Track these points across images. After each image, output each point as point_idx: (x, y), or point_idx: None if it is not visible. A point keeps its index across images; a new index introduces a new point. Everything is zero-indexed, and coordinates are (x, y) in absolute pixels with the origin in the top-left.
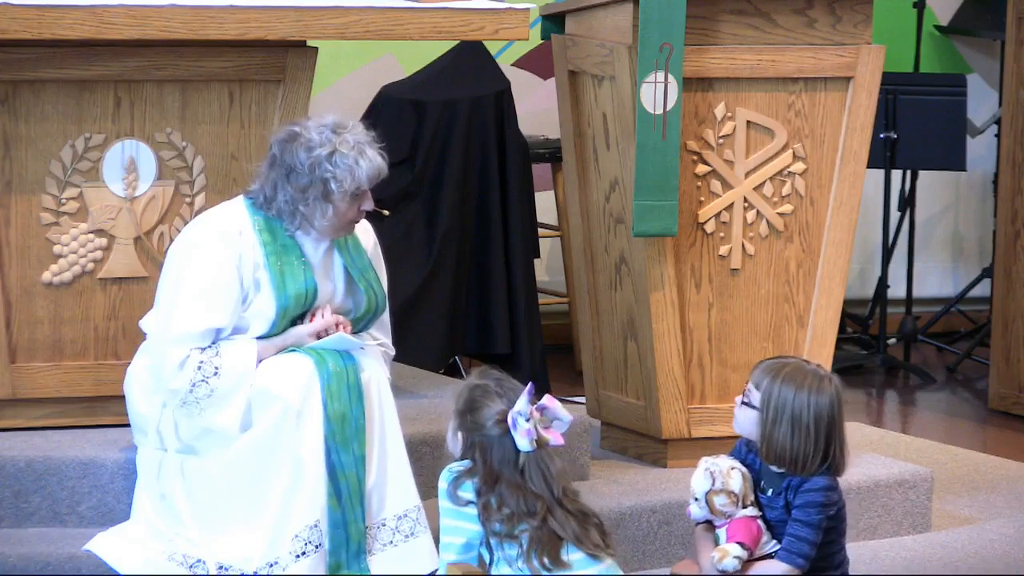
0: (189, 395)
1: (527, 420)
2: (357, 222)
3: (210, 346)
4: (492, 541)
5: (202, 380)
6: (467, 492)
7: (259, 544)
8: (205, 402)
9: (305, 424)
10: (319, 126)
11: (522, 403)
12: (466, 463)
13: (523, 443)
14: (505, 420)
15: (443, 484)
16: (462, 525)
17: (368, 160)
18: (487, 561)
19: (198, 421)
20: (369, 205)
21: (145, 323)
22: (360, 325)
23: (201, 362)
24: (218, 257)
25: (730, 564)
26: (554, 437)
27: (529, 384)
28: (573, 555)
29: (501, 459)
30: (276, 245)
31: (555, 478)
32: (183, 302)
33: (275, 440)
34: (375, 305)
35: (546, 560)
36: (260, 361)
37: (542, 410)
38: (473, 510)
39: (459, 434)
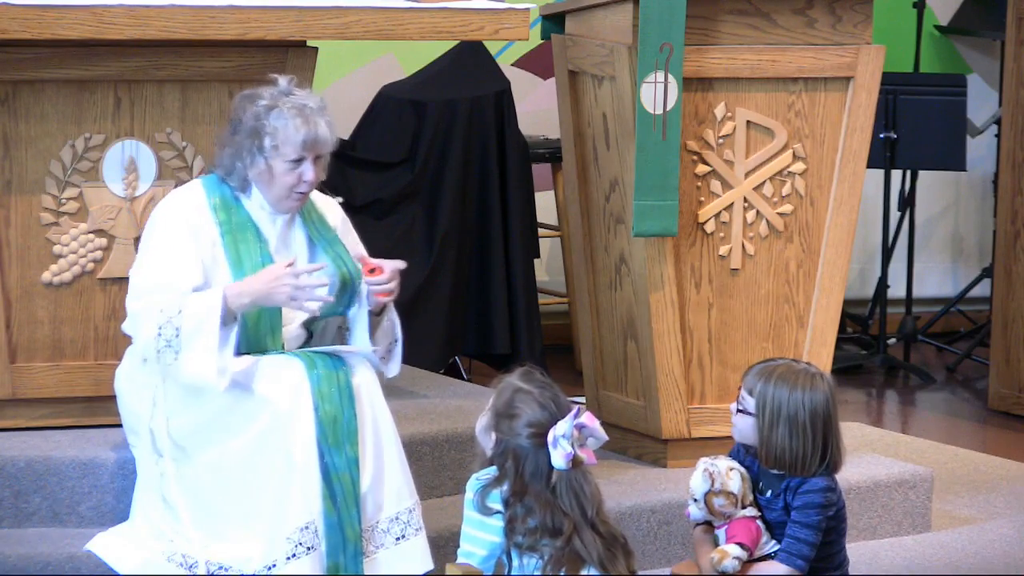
0: (159, 339)
1: (568, 441)
2: (302, 194)
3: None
4: (512, 551)
5: (167, 321)
6: (495, 502)
7: (257, 547)
8: (176, 343)
9: (296, 426)
10: (275, 87)
11: (566, 425)
12: (492, 471)
13: (559, 462)
14: (543, 433)
15: (469, 494)
16: (485, 537)
17: (306, 123)
18: (506, 566)
19: (178, 378)
20: (310, 175)
21: (126, 327)
22: (342, 301)
23: (163, 306)
24: (180, 222)
25: (729, 565)
26: (588, 456)
27: (576, 407)
28: (592, 570)
29: (534, 472)
30: (231, 223)
31: (589, 499)
32: (150, 263)
33: (267, 442)
34: (348, 276)
35: None
36: (235, 308)
37: (580, 428)
38: (499, 521)
39: (492, 434)
